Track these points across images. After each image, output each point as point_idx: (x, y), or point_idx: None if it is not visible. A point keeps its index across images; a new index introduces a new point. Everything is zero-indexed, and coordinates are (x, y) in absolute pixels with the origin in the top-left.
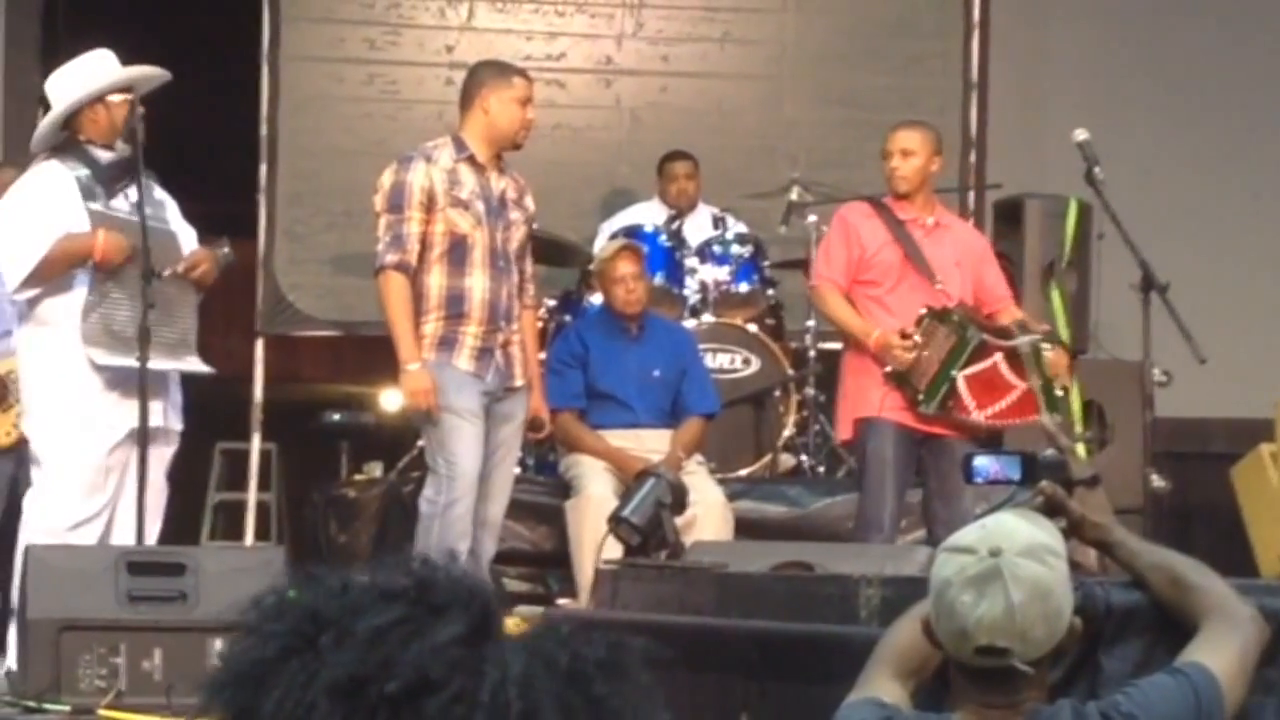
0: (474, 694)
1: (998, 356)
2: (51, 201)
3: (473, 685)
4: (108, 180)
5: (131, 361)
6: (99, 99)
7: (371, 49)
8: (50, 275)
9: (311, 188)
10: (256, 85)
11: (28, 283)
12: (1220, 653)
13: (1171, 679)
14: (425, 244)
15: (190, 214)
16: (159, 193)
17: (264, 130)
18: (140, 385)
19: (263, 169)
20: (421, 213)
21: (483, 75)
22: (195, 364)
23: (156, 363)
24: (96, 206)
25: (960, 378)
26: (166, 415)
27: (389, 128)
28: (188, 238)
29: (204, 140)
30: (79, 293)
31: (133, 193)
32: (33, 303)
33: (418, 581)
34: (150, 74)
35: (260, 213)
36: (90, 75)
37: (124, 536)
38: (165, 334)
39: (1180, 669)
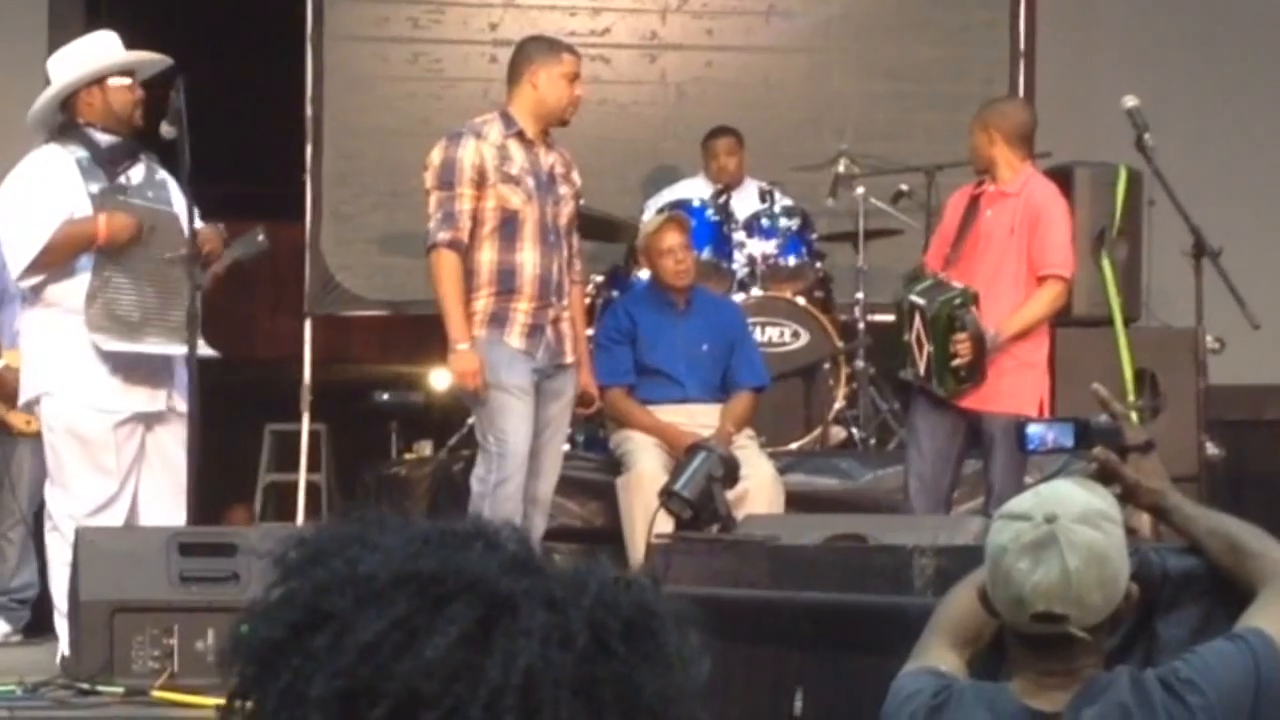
0: (468, 706)
1: (917, 316)
2: (52, 186)
3: (468, 695)
4: (108, 163)
5: (136, 347)
6: (96, 81)
7: (415, 27)
8: (54, 262)
9: (357, 168)
10: (300, 66)
11: (31, 269)
12: (1279, 618)
13: (1230, 644)
14: (476, 220)
15: (236, 196)
16: (160, 174)
17: (309, 111)
18: (189, 368)
19: (308, 150)
20: (473, 189)
21: (531, 51)
22: (200, 347)
23: (160, 345)
24: (97, 190)
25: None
26: (171, 397)
27: (434, 106)
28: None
29: (249, 122)
30: (83, 278)
31: (134, 174)
32: (38, 287)
33: (428, 569)
34: (150, 59)
35: (307, 194)
36: (89, 57)
37: (150, 519)
38: (171, 316)
39: (1239, 634)
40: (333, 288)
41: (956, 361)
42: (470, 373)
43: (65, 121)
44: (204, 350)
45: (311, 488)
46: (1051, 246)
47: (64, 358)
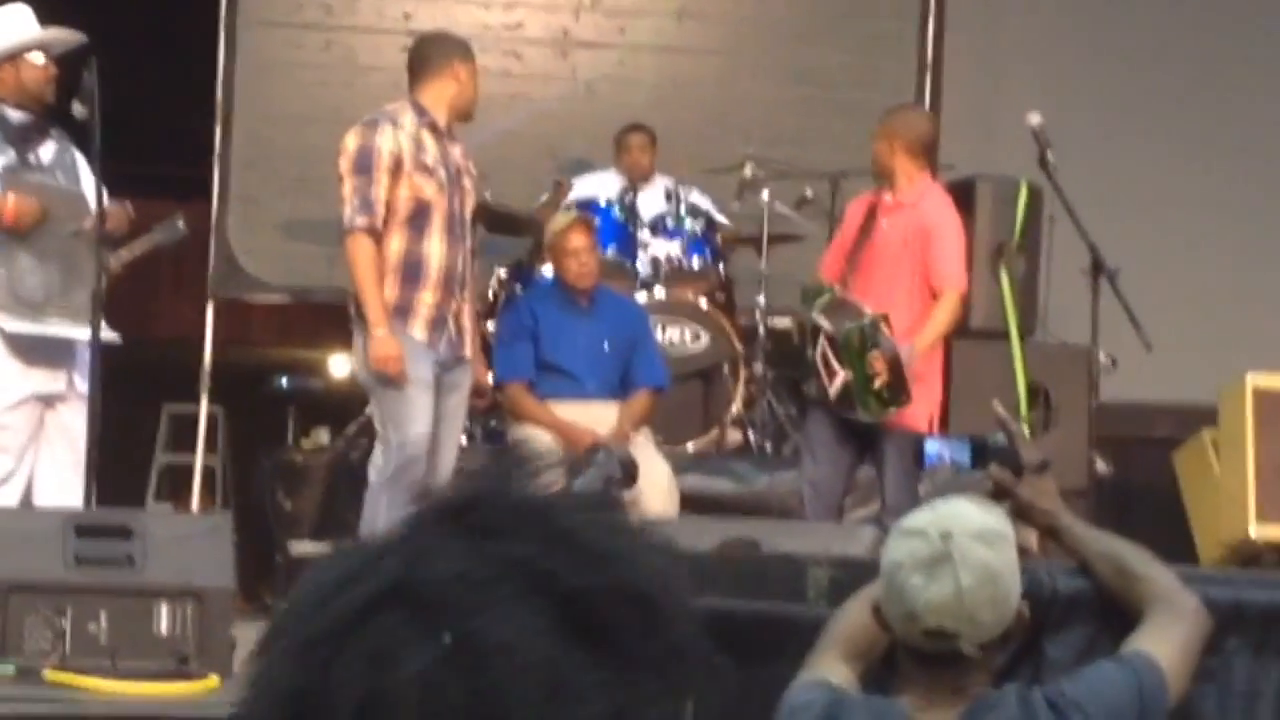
0: None
1: (822, 338)
2: None
3: None
4: (18, 141)
5: (38, 328)
6: (9, 58)
7: (329, 15)
8: None
9: (266, 152)
10: (213, 49)
11: None
12: (1164, 642)
13: (1116, 666)
14: (388, 209)
15: (144, 176)
16: (71, 152)
17: (219, 94)
18: (93, 350)
19: (218, 132)
20: (388, 177)
21: (453, 47)
22: (103, 331)
23: (62, 327)
24: (5, 167)
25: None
26: (72, 378)
27: (345, 94)
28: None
29: (159, 103)
30: None
31: (44, 153)
32: None
33: None
34: (64, 37)
35: (214, 176)
36: (1, 32)
37: (47, 500)
38: (75, 297)
39: (1124, 657)
40: (236, 271)
41: (878, 383)
42: (392, 358)
43: None
44: (105, 334)
45: (207, 471)
46: (945, 260)
47: None
